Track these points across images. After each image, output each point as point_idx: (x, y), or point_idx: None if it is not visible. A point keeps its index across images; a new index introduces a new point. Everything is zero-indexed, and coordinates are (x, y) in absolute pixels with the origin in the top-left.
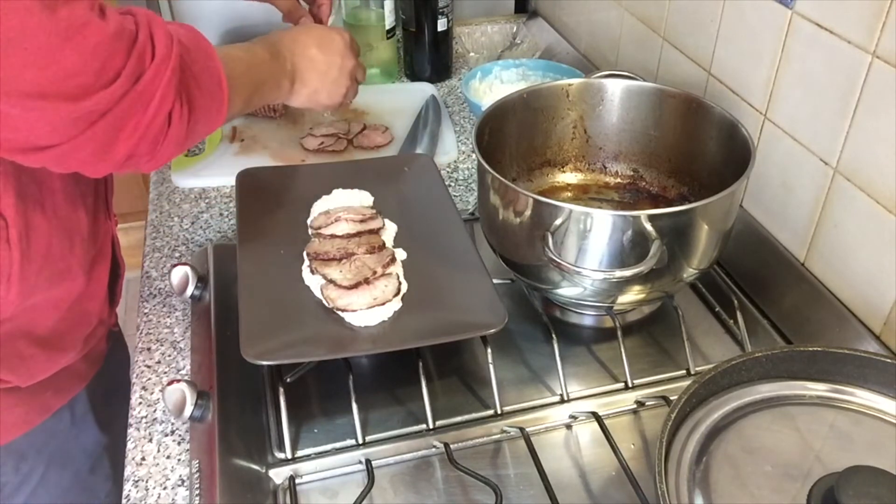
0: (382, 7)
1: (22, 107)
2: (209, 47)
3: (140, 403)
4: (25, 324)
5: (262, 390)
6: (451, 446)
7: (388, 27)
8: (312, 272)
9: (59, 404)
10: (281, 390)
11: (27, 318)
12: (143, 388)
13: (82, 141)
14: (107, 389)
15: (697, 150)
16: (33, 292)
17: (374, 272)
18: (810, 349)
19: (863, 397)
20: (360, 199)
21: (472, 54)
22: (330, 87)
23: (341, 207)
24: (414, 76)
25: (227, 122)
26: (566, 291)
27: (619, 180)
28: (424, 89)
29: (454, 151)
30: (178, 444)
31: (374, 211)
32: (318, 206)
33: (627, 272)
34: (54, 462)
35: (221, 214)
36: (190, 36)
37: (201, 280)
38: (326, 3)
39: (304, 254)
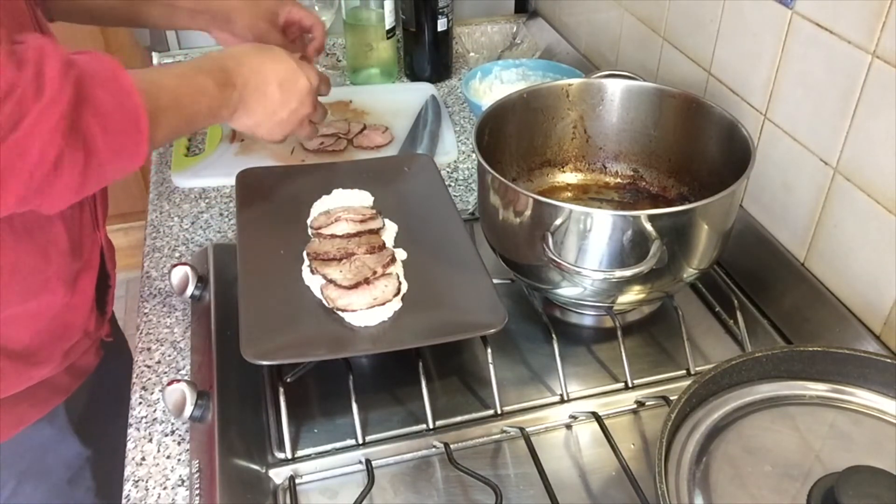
0: (382, 7)
1: None
2: (125, 80)
3: (140, 403)
4: None
5: (262, 390)
6: (451, 446)
7: (388, 27)
8: (312, 272)
9: (36, 417)
10: (281, 390)
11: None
12: (143, 388)
13: None
14: (94, 401)
15: (697, 150)
16: (2, 307)
17: (374, 272)
18: (810, 349)
19: (863, 397)
20: (360, 199)
21: (472, 54)
22: (272, 126)
23: (341, 207)
24: (414, 76)
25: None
26: (566, 291)
27: (619, 180)
28: (424, 89)
29: (454, 151)
30: (178, 444)
31: (374, 211)
32: (318, 206)
33: (627, 272)
34: (28, 475)
35: (221, 214)
36: (101, 69)
37: (201, 280)
38: (319, 38)
39: (304, 254)
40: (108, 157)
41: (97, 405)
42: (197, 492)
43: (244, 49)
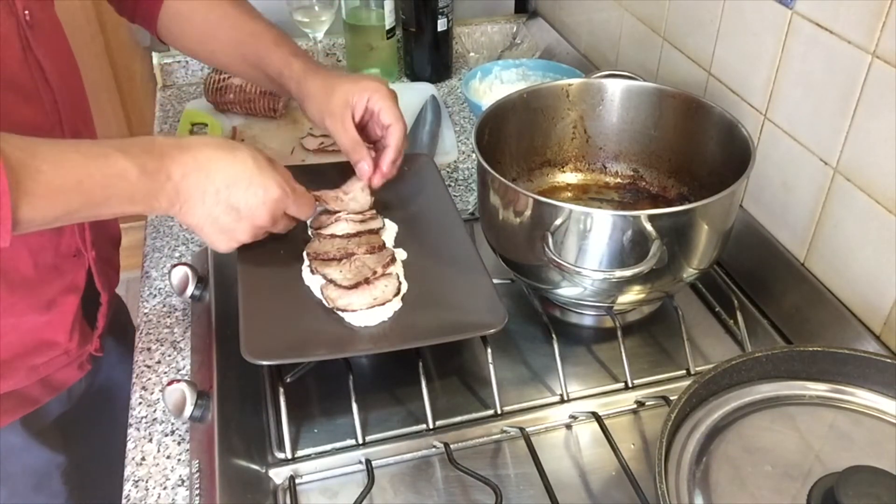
0: (382, 7)
1: None
2: None
3: (140, 403)
4: None
5: (262, 390)
6: (451, 446)
7: (388, 27)
8: (312, 272)
9: None
10: (281, 390)
11: None
12: (143, 388)
13: None
14: (78, 408)
15: (697, 150)
16: None
17: (374, 272)
18: (810, 349)
19: (863, 397)
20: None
21: (472, 54)
22: (213, 233)
23: None
24: (414, 76)
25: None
26: (566, 291)
27: (619, 180)
28: (424, 89)
29: (454, 151)
30: (178, 444)
31: (374, 211)
32: (318, 206)
33: (627, 272)
34: None
35: None
36: None
37: (201, 280)
38: (393, 145)
39: (304, 254)
40: None
41: (78, 414)
42: (197, 492)
43: (200, 139)
